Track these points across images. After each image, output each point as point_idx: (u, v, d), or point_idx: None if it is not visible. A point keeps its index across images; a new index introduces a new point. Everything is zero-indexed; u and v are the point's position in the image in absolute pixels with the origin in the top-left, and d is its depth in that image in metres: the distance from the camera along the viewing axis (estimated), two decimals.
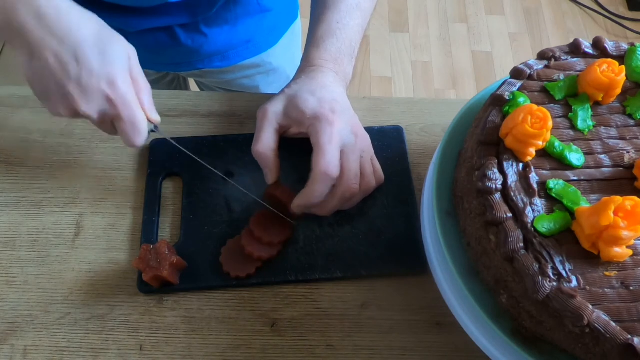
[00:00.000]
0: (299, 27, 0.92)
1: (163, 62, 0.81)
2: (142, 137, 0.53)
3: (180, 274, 0.56)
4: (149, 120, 0.54)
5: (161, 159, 0.63)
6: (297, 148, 0.58)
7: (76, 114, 0.51)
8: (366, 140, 0.59)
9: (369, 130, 0.61)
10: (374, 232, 0.59)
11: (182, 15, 0.71)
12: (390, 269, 0.58)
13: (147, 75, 0.88)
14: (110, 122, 0.53)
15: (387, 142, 0.65)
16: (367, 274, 0.57)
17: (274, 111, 0.56)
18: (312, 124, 0.54)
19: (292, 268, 0.57)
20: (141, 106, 0.53)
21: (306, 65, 0.60)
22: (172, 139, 0.61)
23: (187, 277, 0.56)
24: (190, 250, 0.57)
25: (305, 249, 0.58)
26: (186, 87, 1.01)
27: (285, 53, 0.88)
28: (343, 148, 0.55)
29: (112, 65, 0.50)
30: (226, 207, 0.60)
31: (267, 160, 0.55)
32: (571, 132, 0.49)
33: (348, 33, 0.61)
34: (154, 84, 0.91)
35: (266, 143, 0.55)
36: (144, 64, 0.83)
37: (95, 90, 0.49)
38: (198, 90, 1.03)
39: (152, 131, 0.55)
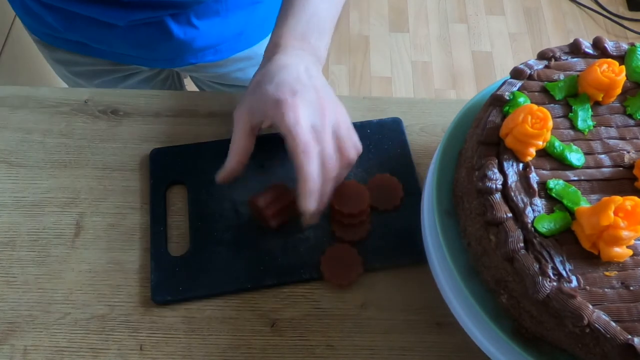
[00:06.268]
0: None
1: (156, 58, 0.81)
2: None
3: (193, 283, 0.56)
4: None
5: (163, 168, 0.62)
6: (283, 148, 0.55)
7: None
8: (335, 111, 0.54)
9: (366, 124, 0.60)
10: (374, 232, 0.59)
11: (171, 4, 0.70)
12: (390, 261, 0.57)
13: (140, 72, 0.88)
14: None
15: (386, 134, 0.65)
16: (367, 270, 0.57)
17: (241, 112, 0.55)
18: (275, 114, 0.51)
19: (292, 268, 0.57)
20: None
21: (270, 46, 0.58)
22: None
23: (200, 284, 0.56)
24: (200, 258, 0.57)
25: (305, 248, 0.58)
26: (180, 84, 1.01)
27: None
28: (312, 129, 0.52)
29: None
30: (234, 211, 0.60)
31: (231, 166, 0.55)
32: (571, 132, 0.49)
33: (316, 9, 0.58)
34: (148, 81, 0.91)
35: (236, 150, 0.54)
36: (138, 60, 0.83)
37: None
38: (192, 87, 1.03)
39: None
